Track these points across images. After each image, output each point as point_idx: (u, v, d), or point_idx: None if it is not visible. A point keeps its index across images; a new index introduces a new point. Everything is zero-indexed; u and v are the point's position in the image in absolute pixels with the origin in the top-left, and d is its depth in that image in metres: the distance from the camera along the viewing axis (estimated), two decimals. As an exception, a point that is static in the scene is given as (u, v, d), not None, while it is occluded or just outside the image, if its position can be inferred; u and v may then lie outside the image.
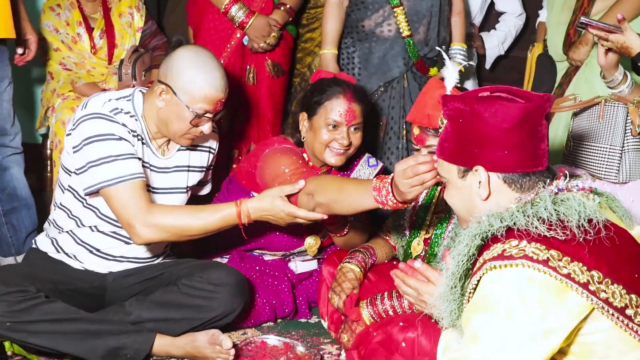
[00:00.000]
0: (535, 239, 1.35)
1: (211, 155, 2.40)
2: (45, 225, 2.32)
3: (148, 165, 2.19)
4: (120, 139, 2.05)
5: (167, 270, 2.28)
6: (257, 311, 2.44)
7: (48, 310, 2.02)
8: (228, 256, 2.59)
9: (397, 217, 2.39)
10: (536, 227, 1.36)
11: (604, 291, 1.34)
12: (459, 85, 2.08)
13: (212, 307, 2.16)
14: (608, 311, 1.34)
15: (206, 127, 2.14)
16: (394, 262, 2.39)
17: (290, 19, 3.06)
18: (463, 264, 1.46)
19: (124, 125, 2.08)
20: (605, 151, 2.62)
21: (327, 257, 2.50)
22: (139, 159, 2.11)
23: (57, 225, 2.23)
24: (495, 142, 1.45)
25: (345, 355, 2.17)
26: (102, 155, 2.02)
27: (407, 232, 2.34)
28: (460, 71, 2.05)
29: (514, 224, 1.38)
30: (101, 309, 2.18)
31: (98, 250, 2.22)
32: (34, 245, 2.31)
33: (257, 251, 2.60)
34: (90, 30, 3.20)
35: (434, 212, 2.29)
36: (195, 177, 2.35)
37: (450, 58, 2.02)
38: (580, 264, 1.34)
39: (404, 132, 2.92)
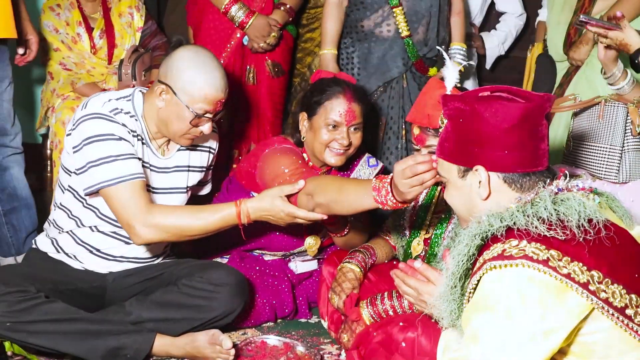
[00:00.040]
0: (535, 239, 1.35)
1: (211, 155, 2.40)
2: (45, 225, 2.32)
3: (148, 165, 2.19)
4: (120, 139, 2.05)
5: (167, 270, 2.28)
6: (257, 311, 2.44)
7: (48, 311, 2.02)
8: (228, 256, 2.59)
9: (397, 217, 2.39)
10: (536, 227, 1.36)
11: (604, 291, 1.34)
12: (459, 85, 2.08)
13: (212, 307, 2.16)
14: (608, 311, 1.34)
15: (206, 127, 2.14)
16: (394, 262, 2.39)
17: (290, 19, 3.06)
18: (463, 263, 1.46)
19: (123, 125, 2.08)
20: (605, 151, 2.62)
21: (327, 257, 2.49)
22: (139, 159, 2.11)
23: (57, 225, 2.23)
24: (495, 142, 1.45)
25: (345, 355, 2.17)
26: (102, 155, 2.02)
27: (407, 232, 2.34)
28: (460, 71, 2.05)
29: (514, 223, 1.38)
30: (101, 309, 2.18)
31: (98, 250, 2.22)
32: (34, 246, 2.31)
33: (257, 251, 2.60)
34: (90, 30, 3.20)
35: (434, 212, 2.29)
36: (195, 177, 2.35)
37: (450, 58, 2.02)
38: (580, 264, 1.34)
39: (403, 132, 2.92)
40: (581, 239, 1.35)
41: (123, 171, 2.02)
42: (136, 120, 2.14)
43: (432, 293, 1.64)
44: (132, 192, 2.02)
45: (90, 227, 2.19)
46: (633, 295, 1.36)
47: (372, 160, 2.63)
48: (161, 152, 2.24)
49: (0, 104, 2.69)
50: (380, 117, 2.92)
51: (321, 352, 2.26)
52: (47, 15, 3.16)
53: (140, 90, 2.20)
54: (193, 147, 2.31)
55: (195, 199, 2.42)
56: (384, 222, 2.48)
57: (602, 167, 2.63)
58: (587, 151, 2.69)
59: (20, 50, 2.73)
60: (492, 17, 3.90)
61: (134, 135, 2.11)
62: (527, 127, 1.44)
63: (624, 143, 2.61)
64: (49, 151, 3.19)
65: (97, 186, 2.03)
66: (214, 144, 2.39)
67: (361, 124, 2.43)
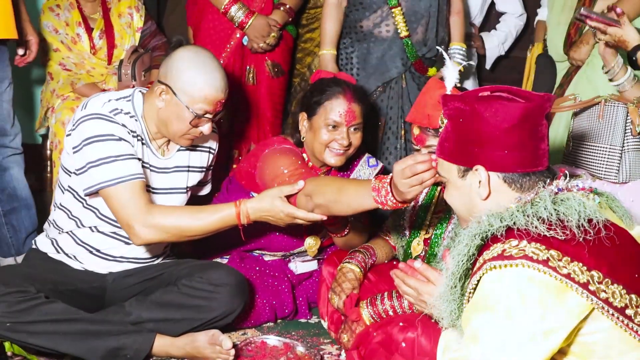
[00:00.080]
0: (535, 239, 1.35)
1: (211, 156, 2.40)
2: (45, 225, 2.32)
3: (148, 165, 2.19)
4: (120, 139, 2.05)
5: (167, 271, 2.28)
6: (257, 311, 2.44)
7: (48, 311, 2.02)
8: (228, 256, 2.59)
9: (397, 217, 2.39)
10: (536, 227, 1.36)
11: (604, 291, 1.34)
12: (458, 85, 2.08)
13: (212, 307, 2.16)
14: (608, 311, 1.34)
15: (206, 128, 2.14)
16: (394, 262, 2.39)
17: (290, 19, 3.06)
18: (463, 263, 1.46)
19: (123, 125, 2.08)
20: (605, 151, 2.62)
21: (327, 257, 2.49)
22: (139, 159, 2.11)
23: (57, 225, 2.23)
24: (495, 142, 1.45)
25: (345, 356, 2.17)
26: (101, 155, 2.02)
27: (407, 232, 2.34)
28: (459, 71, 2.05)
29: (514, 223, 1.38)
30: (101, 310, 2.18)
31: (98, 250, 2.22)
32: (33, 246, 2.31)
33: (257, 252, 2.60)
34: (89, 30, 3.20)
35: (433, 212, 2.29)
36: (195, 178, 2.35)
37: (449, 58, 2.02)
38: (580, 264, 1.34)
39: (403, 132, 2.92)
40: (581, 239, 1.35)
41: (123, 172, 2.02)
42: (136, 120, 2.14)
43: (432, 293, 1.64)
44: (131, 193, 2.02)
45: (90, 227, 2.19)
46: (633, 295, 1.36)
47: (372, 161, 2.63)
48: (161, 153, 2.24)
49: (0, 105, 2.69)
50: (379, 118, 2.92)
51: (321, 353, 2.26)
52: (47, 15, 3.16)
53: (140, 91, 2.20)
54: (193, 147, 2.30)
55: (195, 199, 2.42)
56: (384, 222, 2.48)
57: (602, 167, 2.63)
58: (587, 151, 2.69)
59: (20, 51, 2.73)
60: (492, 17, 3.90)
61: (133, 136, 2.11)
62: (527, 127, 1.44)
63: (624, 143, 2.61)
64: (48, 151, 3.19)
65: (96, 186, 2.03)
66: (213, 144, 2.39)
67: (361, 124, 2.43)
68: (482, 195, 1.48)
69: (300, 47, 3.32)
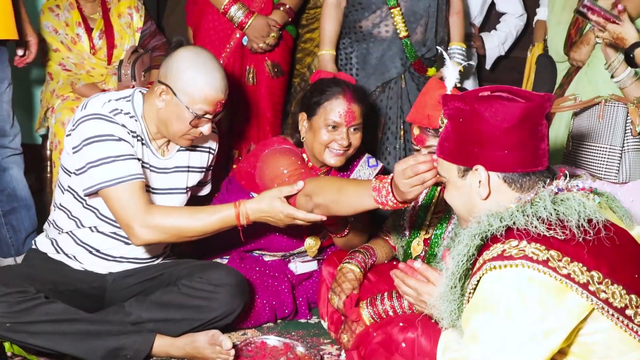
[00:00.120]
0: (535, 239, 1.35)
1: (211, 156, 2.40)
2: (45, 226, 2.32)
3: (148, 165, 2.19)
4: (120, 139, 2.05)
5: (167, 271, 2.28)
6: (257, 312, 2.44)
7: (48, 311, 2.01)
8: (228, 257, 2.58)
9: (396, 217, 2.39)
10: (535, 227, 1.35)
11: (604, 291, 1.34)
12: (458, 85, 2.08)
13: (212, 307, 2.16)
14: (608, 311, 1.34)
15: (206, 128, 2.14)
16: (394, 263, 2.39)
17: (290, 19, 3.06)
18: (463, 264, 1.46)
19: (123, 125, 2.08)
20: (605, 151, 2.62)
21: (327, 257, 2.49)
22: (139, 159, 2.11)
23: (57, 225, 2.23)
24: (495, 142, 1.45)
25: (345, 356, 2.17)
26: (101, 156, 2.02)
27: (407, 233, 2.34)
28: (459, 71, 2.05)
29: (514, 223, 1.38)
30: (101, 310, 2.18)
31: (98, 250, 2.22)
32: (33, 246, 2.31)
33: (257, 252, 2.59)
34: (89, 30, 3.20)
35: (433, 212, 2.29)
36: (195, 178, 2.35)
37: (449, 58, 2.02)
38: (580, 265, 1.34)
39: (402, 132, 2.92)
40: (581, 239, 1.35)
41: (122, 172, 2.02)
42: (136, 120, 2.14)
43: (432, 293, 1.64)
44: (131, 193, 2.02)
45: (90, 227, 2.19)
46: (633, 296, 1.36)
47: (372, 161, 2.63)
48: (161, 153, 2.24)
49: (0, 105, 2.69)
50: (379, 118, 2.92)
51: (321, 353, 2.26)
52: (47, 16, 3.16)
53: (140, 91, 2.20)
54: (193, 147, 2.30)
55: (195, 199, 2.42)
56: (384, 223, 2.48)
57: (602, 167, 2.63)
58: (587, 151, 2.69)
59: (20, 52, 2.73)
60: (492, 18, 3.90)
61: (133, 136, 2.11)
62: (527, 127, 1.44)
63: (624, 143, 2.61)
64: (48, 152, 3.20)
65: (96, 187, 2.03)
66: (213, 145, 2.39)
67: (361, 125, 2.43)
68: (482, 195, 1.48)
69: (300, 48, 3.32)
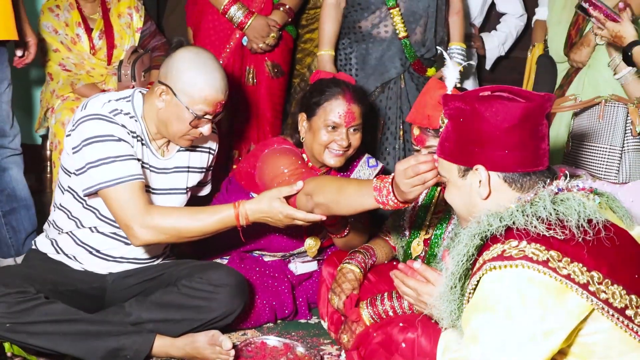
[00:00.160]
0: (534, 239, 1.35)
1: (211, 156, 2.39)
2: (45, 226, 2.32)
3: (148, 166, 2.19)
4: (120, 140, 2.05)
5: (167, 271, 2.28)
6: (257, 312, 2.44)
7: (48, 311, 2.01)
8: (228, 257, 2.58)
9: (397, 217, 2.39)
10: (535, 227, 1.35)
11: (604, 292, 1.33)
12: (459, 85, 2.08)
13: (212, 307, 2.16)
14: (608, 312, 1.34)
15: (206, 129, 2.14)
16: (394, 263, 2.39)
17: (290, 19, 3.06)
18: (462, 264, 1.45)
19: (123, 126, 2.08)
20: (605, 151, 2.62)
21: (327, 258, 2.49)
22: (138, 160, 2.11)
23: (56, 226, 2.23)
24: (496, 142, 1.45)
25: (345, 356, 2.17)
26: (101, 156, 2.02)
27: (407, 233, 2.34)
28: (459, 71, 2.05)
29: (513, 223, 1.38)
30: (101, 310, 2.18)
31: (98, 251, 2.22)
32: (33, 246, 2.31)
33: (257, 252, 2.59)
34: (89, 31, 3.20)
35: (433, 212, 2.29)
36: (195, 178, 2.34)
37: (449, 58, 2.02)
38: (580, 265, 1.34)
39: (401, 132, 2.92)
40: (581, 240, 1.35)
41: (122, 172, 2.02)
42: (136, 121, 2.14)
43: (432, 293, 1.63)
44: (131, 193, 2.02)
45: (90, 228, 2.19)
46: (633, 296, 1.35)
47: (372, 161, 2.63)
48: (161, 153, 2.24)
49: (0, 106, 2.69)
50: (378, 118, 2.92)
51: (321, 353, 2.26)
52: (46, 16, 3.16)
53: (140, 91, 2.20)
54: (193, 148, 2.30)
55: (194, 199, 2.42)
56: (384, 223, 2.48)
57: (602, 167, 2.63)
58: (587, 151, 2.69)
59: (19, 52, 2.73)
60: (492, 18, 3.90)
61: (133, 136, 2.11)
62: (527, 127, 1.44)
63: (624, 143, 2.61)
64: (48, 152, 3.19)
65: (96, 187, 2.03)
66: (213, 145, 2.39)
67: (360, 125, 2.43)
68: (482, 194, 1.48)
69: (300, 48, 3.32)
